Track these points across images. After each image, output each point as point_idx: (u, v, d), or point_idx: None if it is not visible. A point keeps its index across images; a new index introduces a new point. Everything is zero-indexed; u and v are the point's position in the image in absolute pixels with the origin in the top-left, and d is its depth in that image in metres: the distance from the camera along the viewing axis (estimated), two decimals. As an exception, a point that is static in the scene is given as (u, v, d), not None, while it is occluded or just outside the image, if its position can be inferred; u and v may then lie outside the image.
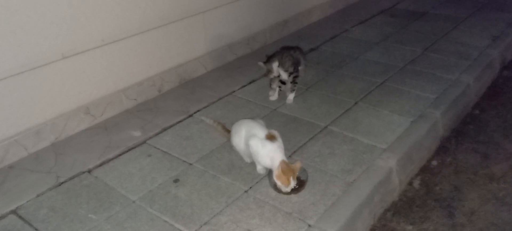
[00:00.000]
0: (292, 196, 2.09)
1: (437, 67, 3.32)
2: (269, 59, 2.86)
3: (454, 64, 3.35)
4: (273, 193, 2.12)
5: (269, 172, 2.19)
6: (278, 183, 2.04)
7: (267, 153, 2.09)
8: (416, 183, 2.42)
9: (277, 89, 2.97)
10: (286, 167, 2.01)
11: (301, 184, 2.12)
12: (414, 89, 3.01)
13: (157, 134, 2.66)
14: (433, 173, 2.49)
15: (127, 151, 2.50)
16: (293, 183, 2.04)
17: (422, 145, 2.53)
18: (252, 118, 2.40)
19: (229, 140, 2.38)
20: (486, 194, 2.32)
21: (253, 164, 2.27)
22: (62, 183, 2.27)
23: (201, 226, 1.96)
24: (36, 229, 1.98)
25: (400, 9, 4.73)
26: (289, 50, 2.92)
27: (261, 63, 2.87)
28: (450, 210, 2.22)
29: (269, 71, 2.86)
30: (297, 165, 2.05)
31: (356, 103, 2.89)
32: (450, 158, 2.60)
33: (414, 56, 3.54)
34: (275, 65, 2.83)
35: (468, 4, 4.68)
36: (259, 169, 2.25)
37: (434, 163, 2.57)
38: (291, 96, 2.94)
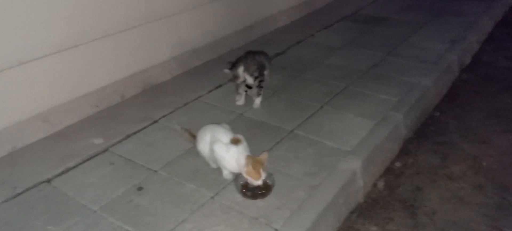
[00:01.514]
0: (258, 201, 2.09)
1: (398, 71, 3.40)
2: (234, 65, 2.85)
3: (414, 67, 3.45)
4: (239, 198, 2.11)
5: (236, 177, 2.17)
6: (249, 179, 2.04)
7: (232, 156, 2.09)
8: (380, 185, 2.46)
9: (244, 94, 2.97)
10: (254, 162, 2.01)
11: (267, 188, 2.11)
12: (377, 93, 3.07)
13: (120, 141, 2.59)
14: (396, 174, 2.54)
15: (88, 160, 2.43)
16: (263, 175, 2.04)
17: (385, 147, 2.58)
18: (218, 123, 2.38)
19: (195, 145, 2.35)
20: (446, 194, 2.38)
21: (218, 170, 2.25)
22: (19, 194, 2.17)
23: (165, 235, 1.92)
24: (-11, 244, 1.89)
25: (362, 14, 4.83)
26: (254, 54, 2.92)
27: (226, 70, 2.85)
28: (413, 210, 2.27)
29: (235, 76, 2.85)
30: (264, 156, 2.06)
31: (321, 107, 2.92)
32: (412, 159, 2.66)
33: (376, 60, 3.62)
34: (240, 70, 2.82)
35: (426, 10, 4.84)
36: (226, 174, 2.23)
37: (397, 164, 2.62)
38: (257, 101, 2.94)
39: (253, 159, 2.03)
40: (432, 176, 2.52)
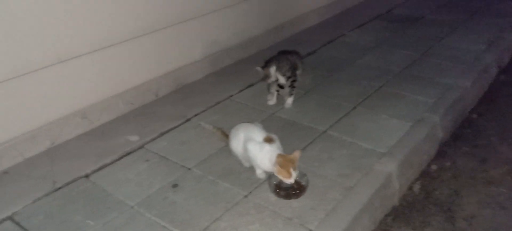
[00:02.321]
0: (292, 201, 2.08)
1: (434, 71, 3.32)
2: (266, 64, 2.85)
3: (451, 68, 3.36)
4: (273, 198, 2.11)
5: (269, 177, 2.17)
6: (280, 177, 2.03)
7: (265, 155, 2.08)
8: (416, 188, 2.41)
9: (276, 93, 2.96)
10: (284, 160, 2.00)
11: (301, 188, 2.10)
12: (412, 94, 3.01)
13: (154, 139, 2.63)
14: (432, 177, 2.49)
15: (124, 156, 2.48)
16: (294, 174, 2.01)
17: (421, 149, 2.53)
18: (251, 122, 2.38)
19: (228, 144, 2.36)
20: (485, 198, 2.31)
21: (252, 169, 2.26)
22: (58, 188, 2.24)
23: (200, 232, 1.93)
24: (32, 236, 1.95)
25: (396, 14, 4.74)
26: (286, 54, 2.91)
27: (259, 68, 2.85)
28: (450, 215, 2.21)
29: (267, 76, 2.84)
30: (296, 155, 2.03)
31: (354, 107, 2.89)
32: (449, 162, 2.60)
33: (411, 61, 3.55)
34: (272, 69, 2.82)
35: (462, 10, 4.71)
36: (259, 173, 2.23)
37: (434, 167, 2.56)
38: (289, 101, 2.93)
39: (283, 158, 2.01)
40: (470, 180, 2.45)
